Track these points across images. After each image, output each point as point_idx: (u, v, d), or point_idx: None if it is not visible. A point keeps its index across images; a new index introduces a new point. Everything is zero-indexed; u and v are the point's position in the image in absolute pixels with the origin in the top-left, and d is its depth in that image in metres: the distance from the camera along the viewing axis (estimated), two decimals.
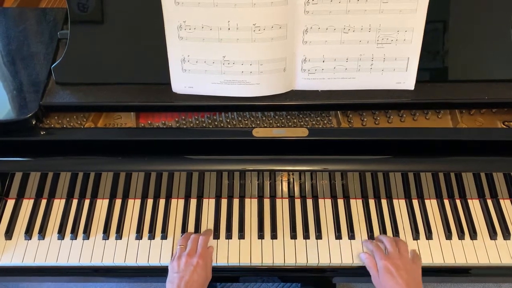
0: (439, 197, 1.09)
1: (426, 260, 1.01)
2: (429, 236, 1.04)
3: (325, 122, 1.01)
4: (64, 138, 0.95)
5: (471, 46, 0.94)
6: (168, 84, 0.95)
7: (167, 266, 1.00)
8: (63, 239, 1.04)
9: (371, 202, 1.09)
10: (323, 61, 0.93)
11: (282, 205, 1.08)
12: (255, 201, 1.09)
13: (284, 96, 0.95)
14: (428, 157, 0.96)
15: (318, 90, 0.96)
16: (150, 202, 1.10)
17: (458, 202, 1.09)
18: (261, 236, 1.04)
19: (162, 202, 1.09)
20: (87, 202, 1.10)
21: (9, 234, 1.04)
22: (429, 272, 1.04)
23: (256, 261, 1.01)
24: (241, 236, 1.04)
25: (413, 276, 0.92)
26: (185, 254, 0.95)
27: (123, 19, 0.92)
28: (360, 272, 1.01)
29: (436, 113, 1.03)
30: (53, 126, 0.98)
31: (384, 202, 1.09)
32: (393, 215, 1.07)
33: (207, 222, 1.07)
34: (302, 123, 1.00)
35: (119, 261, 1.02)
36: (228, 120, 1.01)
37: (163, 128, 1.01)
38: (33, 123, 0.93)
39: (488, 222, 1.06)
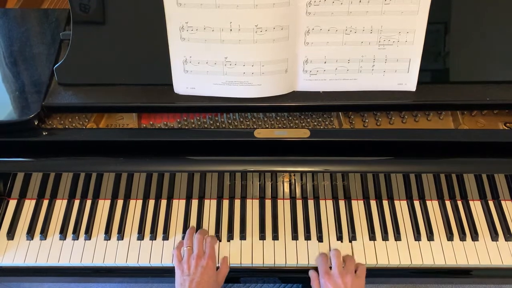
0: (440, 198, 1.09)
1: (428, 261, 1.01)
2: (430, 237, 1.04)
3: (327, 123, 1.01)
4: (66, 138, 0.95)
5: (472, 47, 0.94)
6: (170, 85, 0.95)
7: (169, 267, 1.00)
8: (65, 239, 1.05)
9: (373, 203, 1.09)
10: (325, 62, 0.93)
11: (284, 206, 1.08)
12: (256, 202, 1.09)
13: (286, 97, 0.95)
14: (429, 159, 0.96)
15: (319, 91, 0.96)
16: (151, 202, 1.10)
17: (459, 203, 1.09)
18: (262, 237, 1.04)
19: (163, 202, 1.10)
20: (89, 202, 1.10)
21: (11, 234, 1.05)
22: (430, 273, 1.04)
23: (258, 262, 1.02)
24: (243, 237, 1.04)
25: None
26: (194, 256, 0.96)
27: (125, 20, 0.92)
28: None
29: (437, 114, 1.03)
30: (55, 126, 0.98)
31: (385, 203, 1.09)
32: (394, 216, 1.07)
33: (209, 222, 1.07)
34: (303, 124, 1.00)
35: (120, 262, 1.02)
36: (230, 121, 1.01)
37: (165, 129, 1.01)
38: (35, 123, 0.94)
39: (490, 223, 1.06)
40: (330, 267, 0.97)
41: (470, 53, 0.94)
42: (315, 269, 1.00)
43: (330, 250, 1.02)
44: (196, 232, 1.02)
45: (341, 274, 0.93)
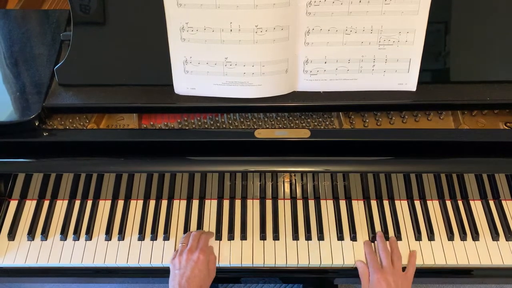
0: (441, 198, 1.09)
1: (428, 261, 1.01)
2: (431, 237, 1.04)
3: (327, 123, 1.01)
4: (66, 139, 0.95)
5: (472, 47, 0.94)
6: (170, 85, 0.95)
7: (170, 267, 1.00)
8: (65, 240, 1.05)
9: (373, 203, 1.09)
10: (325, 63, 0.93)
11: (284, 206, 1.08)
12: (257, 202, 1.09)
13: (286, 97, 0.95)
14: (430, 158, 0.96)
15: (320, 91, 0.96)
16: (152, 203, 1.10)
17: (460, 203, 1.09)
18: (263, 237, 1.04)
19: (164, 203, 1.10)
20: (89, 203, 1.10)
21: (12, 235, 1.05)
22: (431, 273, 1.04)
23: (258, 262, 1.02)
24: (243, 237, 1.04)
25: None
26: (186, 251, 0.95)
27: (125, 20, 0.93)
28: None
29: (438, 114, 1.03)
30: (56, 127, 0.98)
31: (386, 203, 1.09)
32: (395, 216, 1.07)
33: (209, 223, 1.07)
34: (304, 124, 1.00)
35: (121, 262, 1.02)
36: (230, 121, 1.01)
37: (165, 130, 1.01)
38: (36, 124, 0.94)
39: (490, 223, 1.06)
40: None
41: (470, 53, 0.94)
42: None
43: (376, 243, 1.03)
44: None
45: (393, 272, 0.95)
